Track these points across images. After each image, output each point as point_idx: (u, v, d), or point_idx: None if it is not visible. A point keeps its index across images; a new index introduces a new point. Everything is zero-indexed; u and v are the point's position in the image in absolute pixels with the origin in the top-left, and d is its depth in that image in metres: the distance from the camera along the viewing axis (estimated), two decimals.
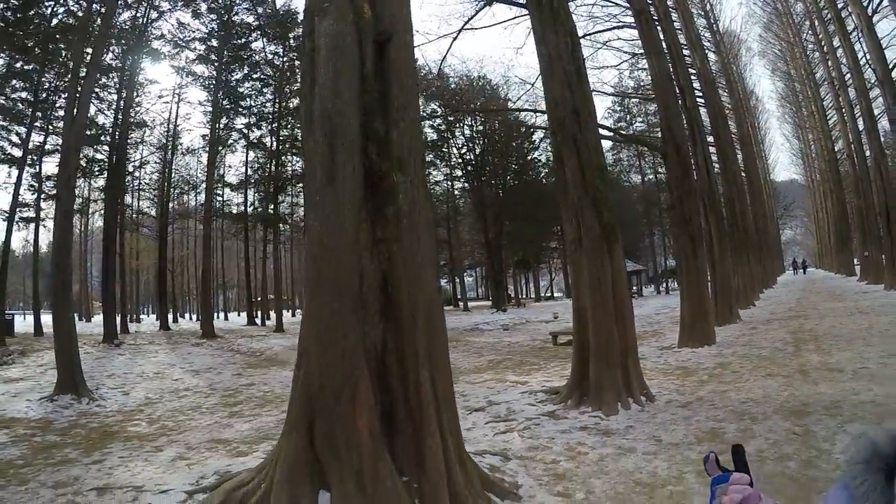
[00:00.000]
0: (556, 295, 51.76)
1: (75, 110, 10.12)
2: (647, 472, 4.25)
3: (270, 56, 26.34)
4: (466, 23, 12.05)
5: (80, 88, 10.14)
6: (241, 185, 26.94)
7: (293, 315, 38.16)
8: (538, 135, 33.25)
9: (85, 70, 11.11)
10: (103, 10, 12.91)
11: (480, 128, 33.99)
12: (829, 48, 24.56)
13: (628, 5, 13.14)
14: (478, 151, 33.33)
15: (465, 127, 34.54)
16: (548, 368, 10.30)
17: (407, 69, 3.61)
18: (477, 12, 12.21)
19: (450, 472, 3.09)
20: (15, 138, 18.64)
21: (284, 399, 8.53)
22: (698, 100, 18.13)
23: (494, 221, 31.13)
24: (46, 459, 5.83)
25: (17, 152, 18.51)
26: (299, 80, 30.23)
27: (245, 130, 25.49)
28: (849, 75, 22.01)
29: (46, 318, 17.85)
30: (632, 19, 13.46)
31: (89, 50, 12.02)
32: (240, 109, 24.91)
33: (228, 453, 5.78)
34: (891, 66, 16.49)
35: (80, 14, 16.00)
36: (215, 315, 28.82)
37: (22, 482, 5.06)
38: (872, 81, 18.62)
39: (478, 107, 28.77)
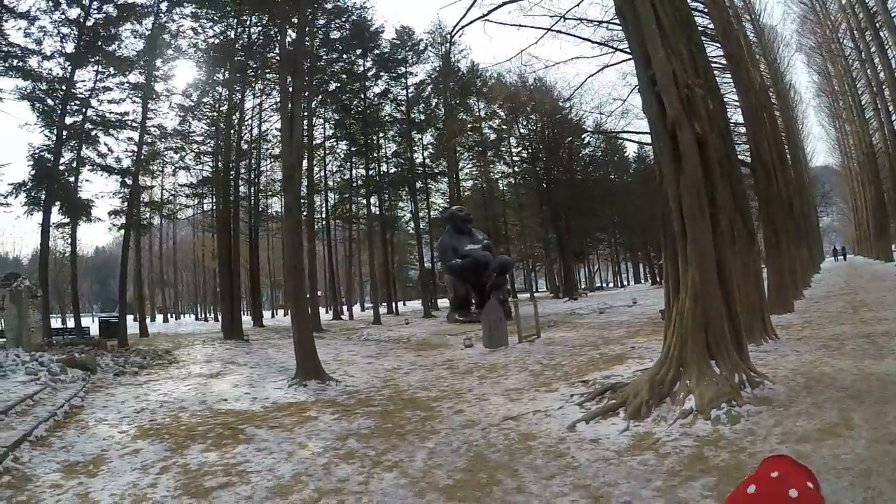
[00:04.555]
0: (602, 285, 52.33)
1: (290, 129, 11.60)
2: (811, 355, 8.03)
3: (348, 65, 29.48)
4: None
5: (291, 105, 11.62)
6: (344, 189, 31.53)
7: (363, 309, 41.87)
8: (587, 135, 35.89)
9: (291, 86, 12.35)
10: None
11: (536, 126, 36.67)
12: (867, 54, 27.42)
13: (720, 48, 16.59)
14: (540, 148, 35.94)
15: (521, 127, 37.33)
16: None
17: (714, 159, 7.47)
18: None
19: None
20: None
21: (501, 365, 10.62)
22: None
23: (563, 215, 33.57)
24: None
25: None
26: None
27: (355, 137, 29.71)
28: (885, 85, 25.06)
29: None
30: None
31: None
32: (346, 122, 29.09)
33: (545, 391, 7.69)
34: None
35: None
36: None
37: (431, 427, 6.01)
38: None
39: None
